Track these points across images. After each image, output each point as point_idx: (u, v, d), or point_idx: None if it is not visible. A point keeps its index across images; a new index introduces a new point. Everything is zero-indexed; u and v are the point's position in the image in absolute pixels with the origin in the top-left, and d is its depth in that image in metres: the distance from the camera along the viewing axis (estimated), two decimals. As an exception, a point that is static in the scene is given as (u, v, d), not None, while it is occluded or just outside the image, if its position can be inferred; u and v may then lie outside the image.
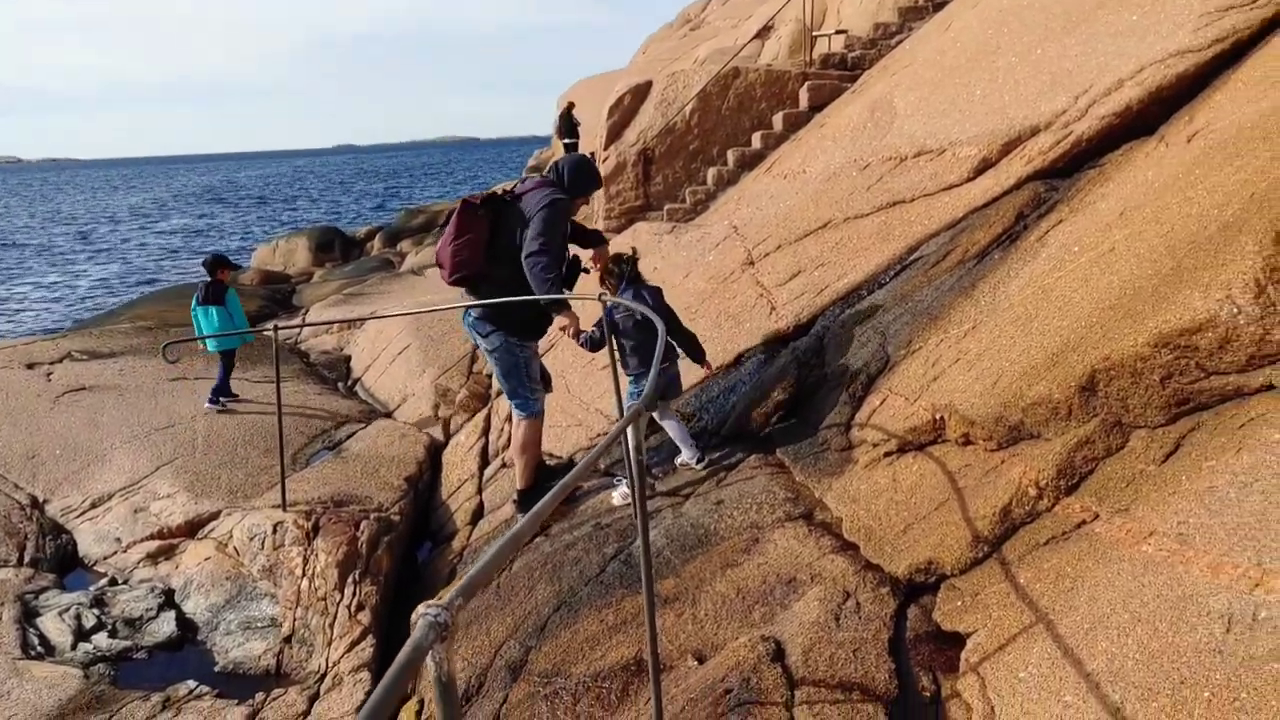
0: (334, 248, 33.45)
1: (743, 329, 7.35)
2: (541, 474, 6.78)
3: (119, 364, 12.24)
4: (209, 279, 10.24)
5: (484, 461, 8.61)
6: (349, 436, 9.73)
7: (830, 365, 6.30)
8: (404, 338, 13.03)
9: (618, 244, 10.61)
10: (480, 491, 8.06)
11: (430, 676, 1.57)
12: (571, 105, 30.93)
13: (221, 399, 10.39)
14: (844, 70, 15.43)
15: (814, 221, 8.15)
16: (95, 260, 42.18)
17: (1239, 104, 5.51)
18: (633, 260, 6.19)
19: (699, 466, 6.13)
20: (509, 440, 7.15)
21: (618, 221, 16.54)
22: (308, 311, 17.86)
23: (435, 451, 9.48)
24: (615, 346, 6.03)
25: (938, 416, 4.95)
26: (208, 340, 10.33)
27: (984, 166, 7.19)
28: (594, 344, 6.09)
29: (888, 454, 5.15)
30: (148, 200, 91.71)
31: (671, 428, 6.30)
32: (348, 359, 14.36)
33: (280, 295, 22.29)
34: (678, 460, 6.35)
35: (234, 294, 10.38)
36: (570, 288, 6.19)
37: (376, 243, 34.77)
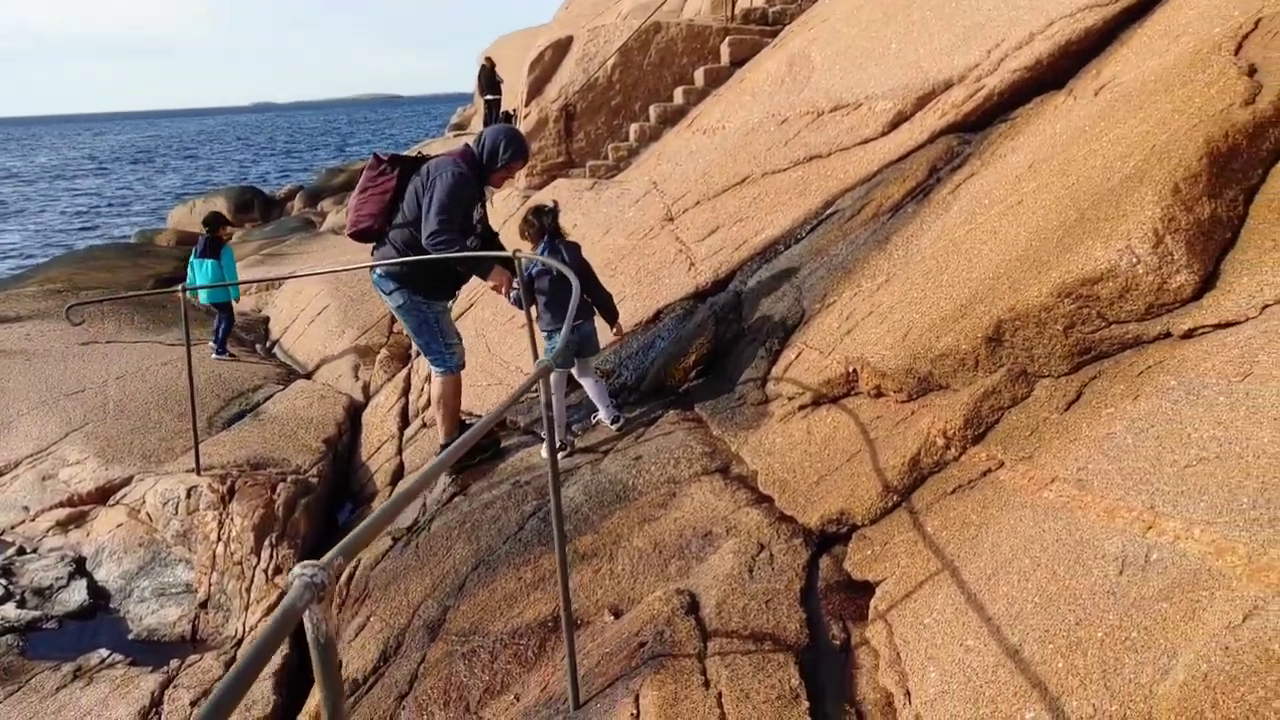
0: (253, 208, 32.74)
1: (662, 285, 7.33)
2: (465, 429, 6.71)
3: (25, 328, 11.87)
4: (208, 234, 10.93)
5: (404, 422, 8.52)
6: (267, 399, 9.56)
7: (747, 320, 6.31)
8: (323, 298, 12.81)
9: (538, 201, 10.51)
10: (400, 452, 7.98)
11: (308, 637, 1.54)
12: (492, 62, 30.43)
13: (228, 349, 11.19)
14: (765, 25, 15.39)
15: (733, 177, 8.13)
16: (2, 223, 40.74)
17: (1143, 57, 5.59)
18: (553, 213, 6.12)
19: (614, 427, 6.12)
20: (429, 400, 7.08)
21: (540, 179, 16.38)
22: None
23: (355, 413, 9.37)
24: (531, 303, 5.98)
25: (851, 369, 4.98)
26: (200, 292, 11.11)
27: (899, 120, 7.22)
28: (521, 302, 6.03)
29: (802, 407, 5.18)
30: (59, 161, 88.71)
31: (589, 386, 6.27)
32: (266, 320, 14.10)
33: (196, 256, 21.75)
34: (594, 418, 6.34)
35: (229, 251, 11.20)
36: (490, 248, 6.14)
37: (297, 202, 34.05)
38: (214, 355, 10.93)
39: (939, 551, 3.45)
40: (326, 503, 7.50)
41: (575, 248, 6.26)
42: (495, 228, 10.92)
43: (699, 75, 15.08)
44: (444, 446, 6.54)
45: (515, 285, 6.02)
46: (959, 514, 3.59)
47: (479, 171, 5.93)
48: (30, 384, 9.62)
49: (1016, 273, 4.25)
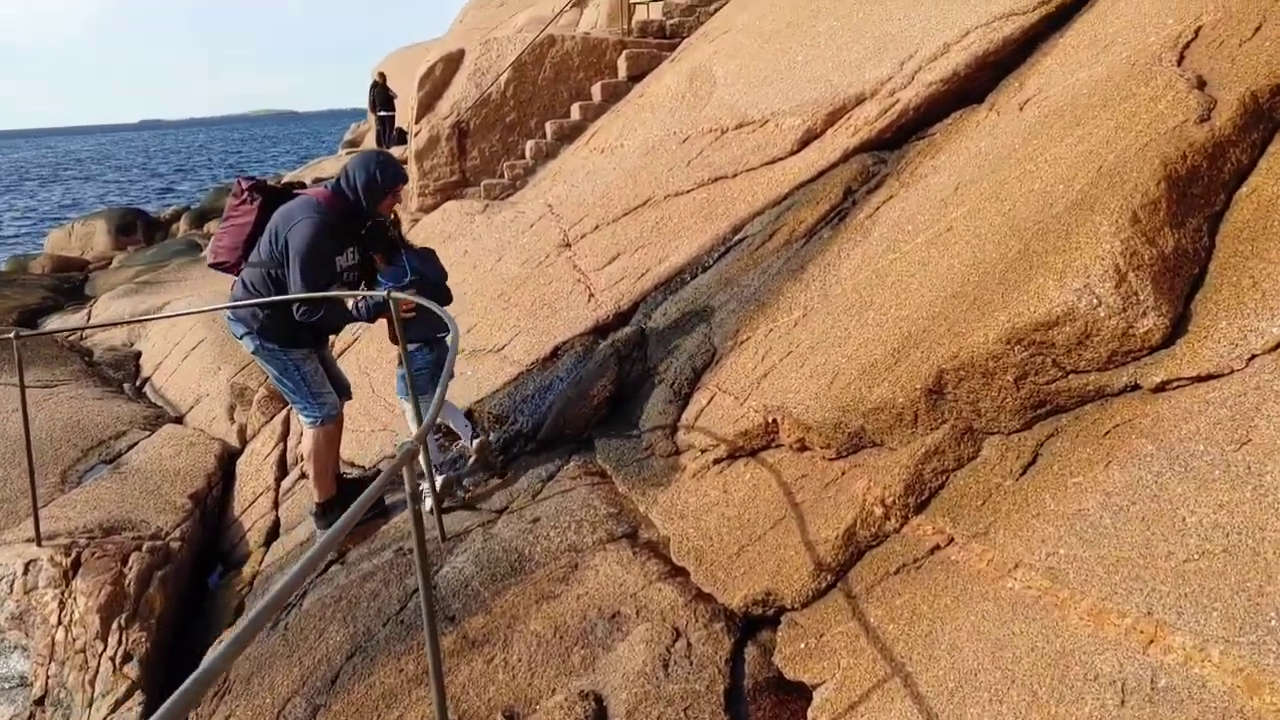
0: (136, 230, 31.17)
1: (560, 318, 6.75)
2: (343, 486, 6.05)
3: None
4: None
5: (282, 471, 7.77)
6: (130, 447, 8.70)
7: (654, 359, 5.77)
8: (198, 331, 11.91)
9: (426, 225, 9.86)
10: (276, 506, 7.25)
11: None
12: (384, 77, 29.57)
13: None
14: (663, 39, 14.94)
15: (633, 199, 7.60)
16: None
17: (1070, 69, 5.20)
18: (395, 223, 5.71)
19: (473, 445, 5.81)
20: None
21: (432, 199, 15.66)
22: (94, 303, 16.34)
23: (230, 460, 8.57)
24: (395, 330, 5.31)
25: (770, 419, 4.46)
26: None
27: (808, 138, 6.77)
28: (370, 313, 5.37)
29: (717, 461, 4.65)
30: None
31: (447, 413, 5.89)
32: (138, 356, 13.11)
33: (69, 285, 20.47)
34: (457, 446, 6.09)
35: None
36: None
37: (182, 224, 32.59)
38: None
39: (887, 651, 2.92)
40: (191, 569, 6.72)
41: (431, 254, 5.96)
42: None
43: (596, 90, 14.57)
44: (319, 507, 5.86)
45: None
46: (907, 602, 3.07)
47: (349, 212, 5.28)
48: None
49: (955, 312, 3.77)
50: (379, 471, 6.63)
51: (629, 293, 6.54)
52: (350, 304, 5.35)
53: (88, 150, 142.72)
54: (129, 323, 12.03)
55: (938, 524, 3.27)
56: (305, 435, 5.75)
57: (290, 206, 5.19)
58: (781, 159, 6.79)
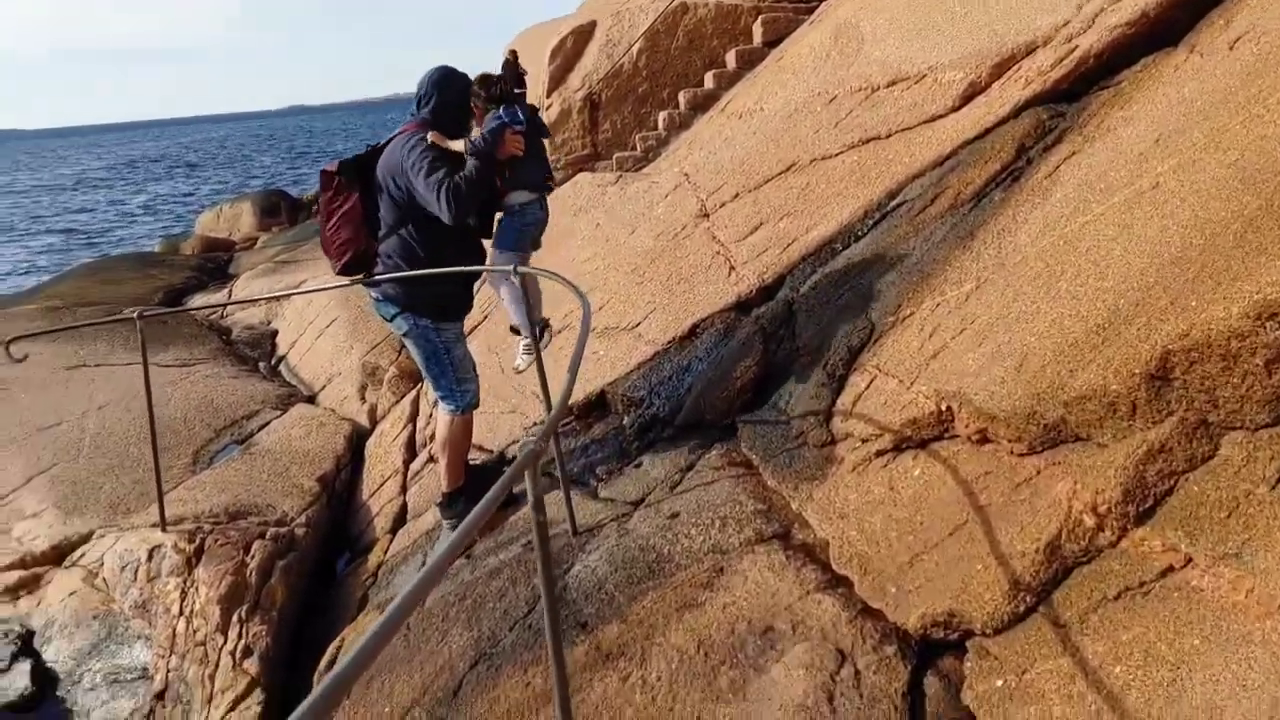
0: (279, 211, 31.86)
1: (698, 294, 6.27)
2: (471, 473, 5.73)
3: (21, 349, 10.95)
4: None
5: (410, 454, 7.52)
6: (261, 428, 8.59)
7: (803, 337, 5.24)
8: (332, 309, 11.82)
9: (558, 198, 9.48)
10: (404, 490, 6.98)
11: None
12: (514, 55, 29.41)
13: None
14: (800, 1, 14.27)
15: (776, 164, 7.05)
16: (30, 234, 40.20)
17: (1294, -1, 4.46)
18: (511, 65, 5.65)
19: (522, 365, 5.91)
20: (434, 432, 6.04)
21: (564, 173, 15.35)
22: (235, 282, 16.57)
23: (360, 441, 8.37)
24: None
25: (944, 406, 3.90)
26: None
27: (972, 93, 6.11)
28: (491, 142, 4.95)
29: (881, 453, 4.11)
30: (95, 170, 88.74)
31: (510, 299, 5.59)
32: (274, 334, 13.16)
33: (213, 265, 20.90)
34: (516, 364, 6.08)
35: None
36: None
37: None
38: None
39: (1116, 702, 2.37)
40: (317, 555, 6.51)
41: (535, 111, 5.69)
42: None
43: (730, 57, 14.01)
44: (447, 493, 5.53)
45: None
46: (1137, 638, 2.50)
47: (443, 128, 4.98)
48: (5, 414, 8.71)
49: (1177, 283, 3.15)
50: (506, 458, 6.29)
51: (773, 265, 6.01)
52: (463, 145, 4.91)
53: (239, 136, 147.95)
54: (245, 301, 12.08)
55: (1169, 539, 2.68)
56: (440, 421, 5.43)
57: (389, 151, 4.90)
58: (942, 116, 6.15)
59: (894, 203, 5.79)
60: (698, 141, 9.77)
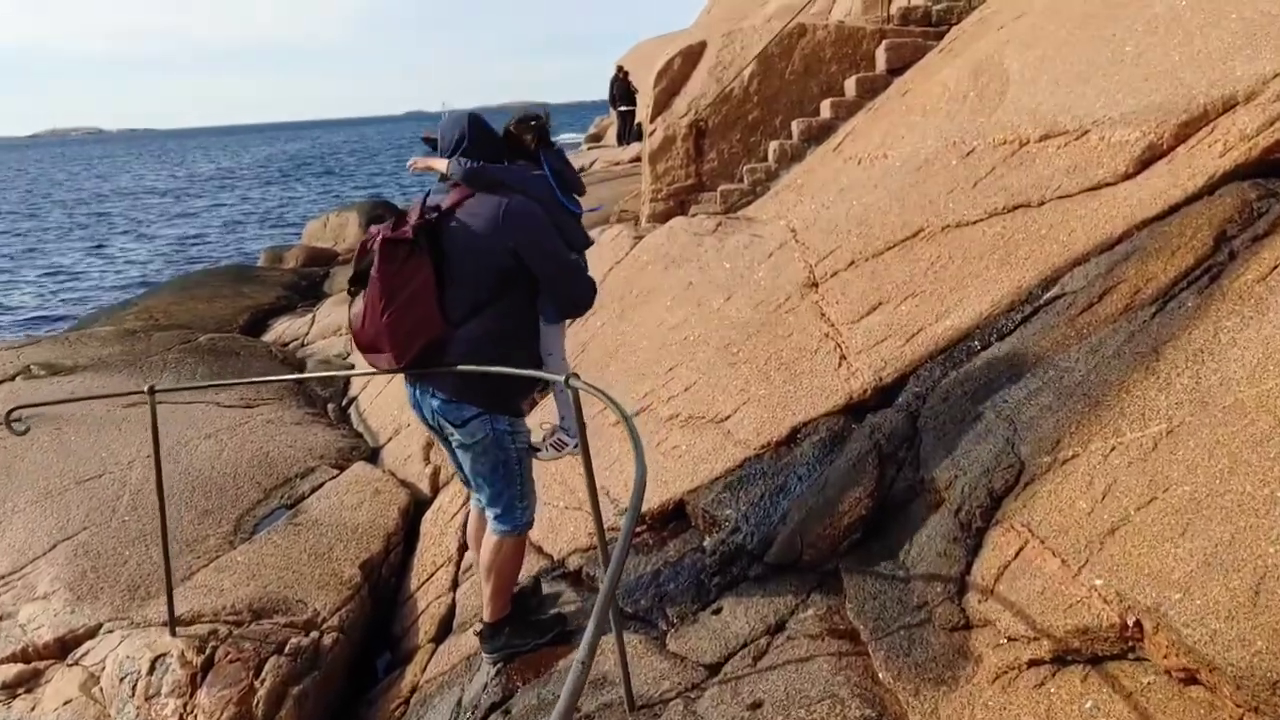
0: (384, 221, 31.73)
1: (800, 387, 5.25)
2: (518, 599, 4.81)
3: (75, 383, 10.47)
4: None
5: (466, 538, 6.65)
6: (314, 490, 7.82)
7: (929, 464, 4.18)
8: (407, 349, 11.07)
9: (648, 247, 8.56)
10: (455, 585, 6.12)
11: None
12: (624, 71, 28.87)
13: None
14: (928, 26, 13.15)
15: (899, 228, 5.99)
16: (142, 238, 40.82)
17: None
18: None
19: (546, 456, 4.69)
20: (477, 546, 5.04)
21: (665, 205, 14.49)
22: (319, 307, 16.02)
23: (416, 513, 7.53)
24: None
25: (1130, 621, 2.83)
26: None
27: (1151, 157, 4.98)
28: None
29: (1035, 663, 3.05)
30: (216, 170, 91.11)
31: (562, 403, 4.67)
32: (351, 368, 12.47)
33: (307, 281, 20.49)
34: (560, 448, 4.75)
35: None
36: None
37: (432, 216, 32.95)
38: None
39: None
40: (347, 667, 5.66)
41: (562, 159, 4.54)
42: (602, 273, 9.00)
43: (850, 85, 12.96)
44: (491, 624, 4.59)
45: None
46: None
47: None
48: (44, 464, 8.10)
49: None
50: (567, 569, 5.36)
51: (894, 359, 4.96)
52: (447, 166, 4.17)
53: (353, 142, 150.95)
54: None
55: None
56: (489, 543, 4.41)
57: (481, 209, 3.99)
58: (1110, 184, 5.03)
59: (1049, 294, 4.68)
60: (810, 185, 8.74)
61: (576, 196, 4.53)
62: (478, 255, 3.96)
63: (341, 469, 8.23)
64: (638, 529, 5.24)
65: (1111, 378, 3.84)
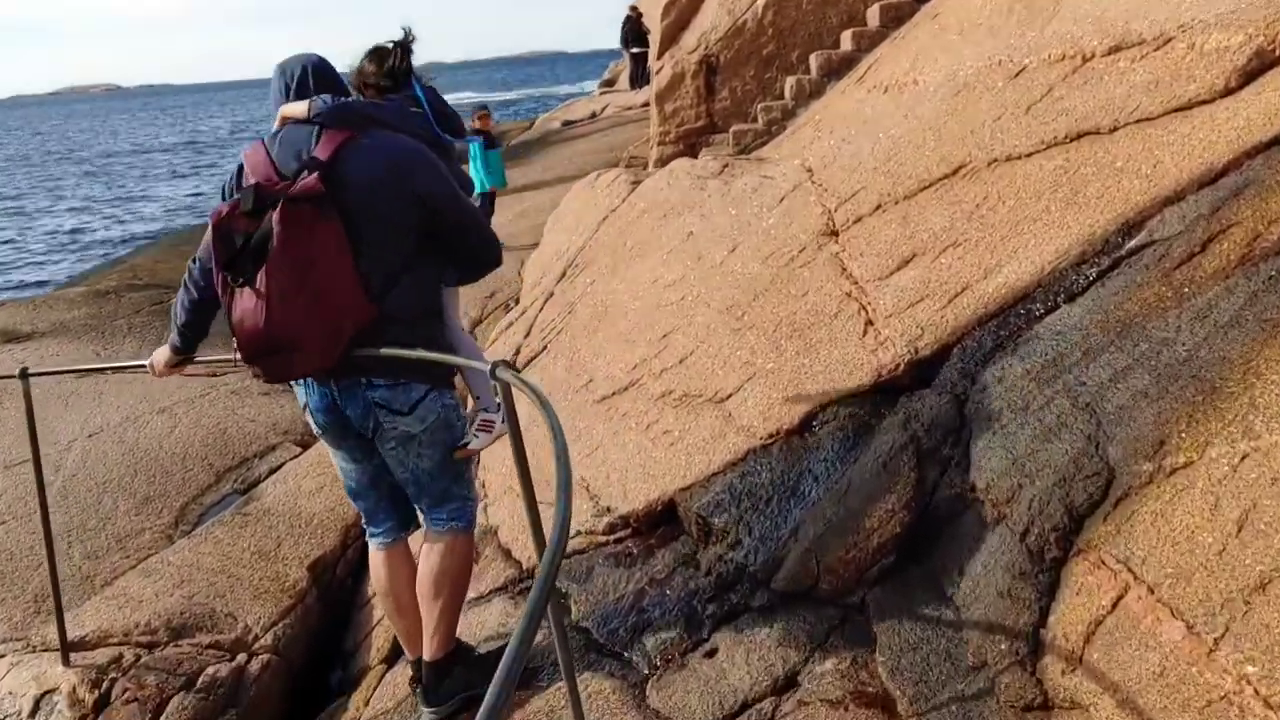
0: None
1: (818, 358, 4.28)
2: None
3: (30, 350, 9.62)
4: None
5: (372, 587, 5.75)
6: (271, 472, 6.94)
7: (982, 466, 3.22)
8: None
9: (645, 192, 7.55)
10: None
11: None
12: (637, 10, 27.66)
13: None
14: (959, -54, 11.96)
15: (936, 164, 4.97)
16: (145, 197, 39.74)
17: None
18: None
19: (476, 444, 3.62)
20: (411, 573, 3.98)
21: (673, 148, 13.45)
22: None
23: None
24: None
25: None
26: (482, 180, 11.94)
27: (1260, 66, 3.93)
28: None
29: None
30: (233, 124, 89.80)
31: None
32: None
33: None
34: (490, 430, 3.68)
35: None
36: None
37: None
38: None
39: None
40: (285, 690, 4.79)
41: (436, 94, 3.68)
42: (594, 223, 8.01)
43: (873, 13, 11.84)
44: (434, 670, 3.64)
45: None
46: None
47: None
48: (-32, 445, 7.26)
49: None
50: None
51: (932, 326, 3.98)
52: (306, 107, 3.31)
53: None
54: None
55: None
56: (440, 549, 3.50)
57: (371, 155, 3.15)
58: (1206, 102, 3.99)
59: (1132, 242, 3.67)
60: (828, 120, 7.70)
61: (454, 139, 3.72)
62: (386, 211, 3.15)
63: (306, 447, 7.35)
64: (619, 534, 4.32)
65: (1232, 354, 2.85)
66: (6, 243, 27.40)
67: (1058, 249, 3.89)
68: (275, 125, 3.35)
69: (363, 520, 3.69)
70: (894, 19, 11.36)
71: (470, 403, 3.88)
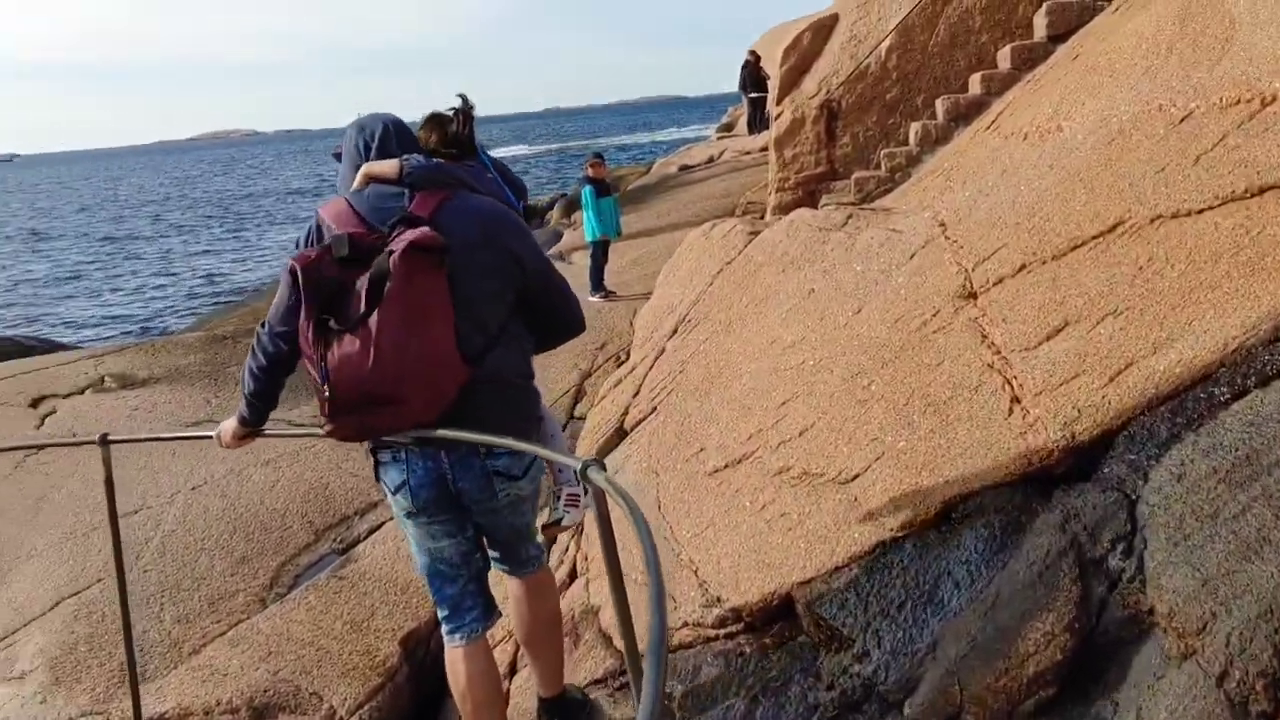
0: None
1: (955, 438, 3.81)
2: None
3: (143, 397, 9.65)
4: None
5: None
6: (371, 532, 6.73)
7: (1162, 584, 2.71)
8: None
9: (764, 244, 7.15)
10: (513, 668, 4.85)
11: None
12: (756, 56, 27.57)
13: (605, 288, 11.57)
14: (1098, -16, 11.36)
15: (1089, 220, 4.46)
16: (272, 237, 40.97)
17: None
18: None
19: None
20: (530, 621, 3.81)
21: (792, 195, 13.09)
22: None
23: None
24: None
25: None
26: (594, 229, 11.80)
27: None
28: None
29: None
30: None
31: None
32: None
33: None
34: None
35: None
36: None
37: (555, 212, 32.03)
38: (593, 298, 11.19)
39: None
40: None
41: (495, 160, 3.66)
42: (709, 275, 7.66)
43: (1003, 55, 11.33)
44: (552, 699, 3.54)
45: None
46: None
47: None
48: (80, 496, 7.19)
49: None
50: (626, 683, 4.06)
51: (1091, 407, 3.48)
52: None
53: (493, 137, 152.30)
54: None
55: None
56: (549, 583, 3.78)
57: (467, 215, 3.13)
58: None
59: (1338, 318, 3.14)
60: (960, 169, 7.21)
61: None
62: (486, 271, 3.12)
63: (406, 506, 7.08)
64: (730, 629, 3.90)
65: None
66: (137, 289, 28.38)
67: (1244, 322, 3.36)
68: (357, 182, 3.21)
69: (443, 616, 3.44)
70: (1027, 61, 10.83)
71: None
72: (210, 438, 3.67)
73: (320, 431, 3.31)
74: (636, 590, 4.59)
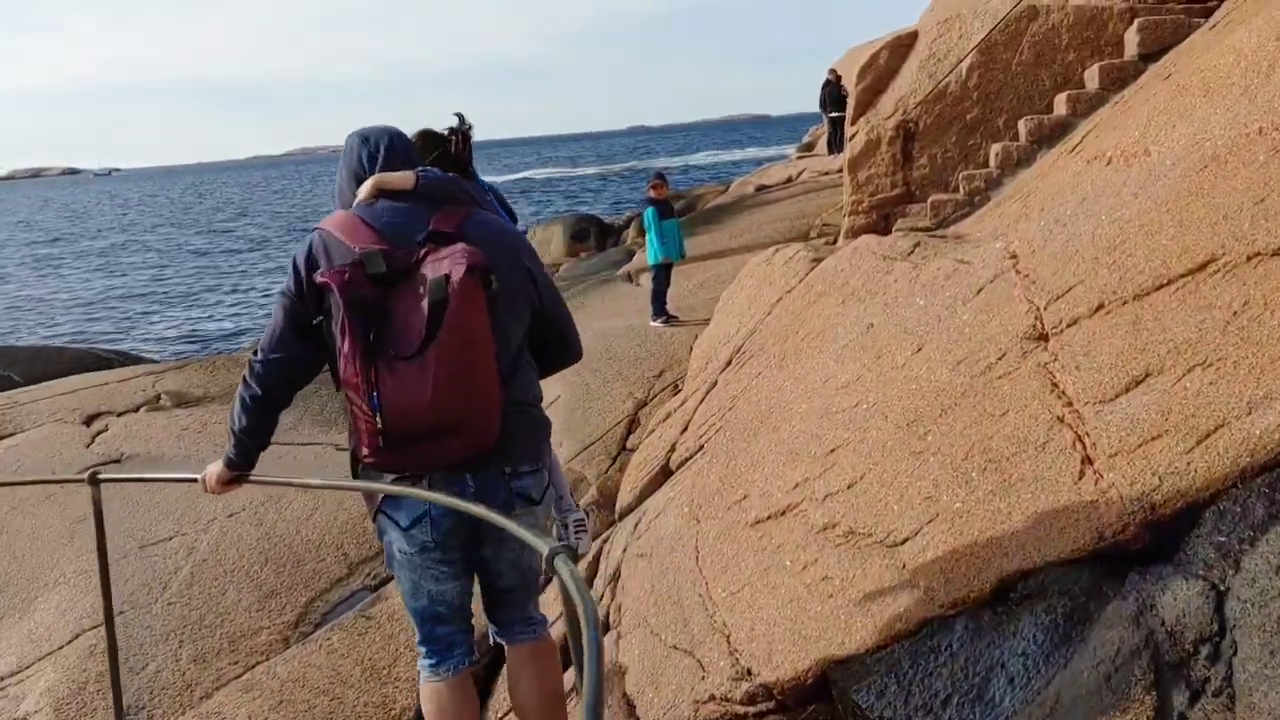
0: (589, 236, 30.94)
1: (1018, 502, 3.38)
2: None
3: (195, 416, 9.54)
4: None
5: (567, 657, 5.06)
6: (404, 567, 6.44)
7: (1256, 704, 2.27)
8: (553, 386, 9.62)
9: (825, 272, 6.74)
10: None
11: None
12: (837, 75, 27.15)
13: (666, 313, 10.98)
14: (1193, 1, 10.74)
15: (1177, 256, 3.99)
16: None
17: None
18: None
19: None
20: (540, 692, 3.48)
21: (866, 218, 12.65)
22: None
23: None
24: None
25: None
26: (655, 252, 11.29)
27: None
28: None
29: None
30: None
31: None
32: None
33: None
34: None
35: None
36: None
37: (631, 230, 31.93)
38: (654, 324, 10.83)
39: None
40: None
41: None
42: (767, 305, 7.31)
43: (1091, 74, 10.76)
44: None
45: None
46: None
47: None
48: (115, 519, 7.00)
49: None
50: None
51: (1174, 474, 3.03)
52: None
53: (574, 155, 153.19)
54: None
55: None
56: (553, 655, 3.47)
57: (486, 232, 3.01)
58: None
59: None
60: (1038, 196, 6.73)
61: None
62: (511, 288, 3.00)
63: (444, 539, 6.81)
64: (760, 707, 3.51)
65: None
66: (214, 304, 28.77)
67: (1360, 380, 2.89)
68: (365, 194, 2.95)
69: (426, 654, 3.21)
70: (1116, 80, 10.27)
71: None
72: (196, 480, 3.38)
73: (315, 482, 3.06)
74: (664, 650, 4.24)
